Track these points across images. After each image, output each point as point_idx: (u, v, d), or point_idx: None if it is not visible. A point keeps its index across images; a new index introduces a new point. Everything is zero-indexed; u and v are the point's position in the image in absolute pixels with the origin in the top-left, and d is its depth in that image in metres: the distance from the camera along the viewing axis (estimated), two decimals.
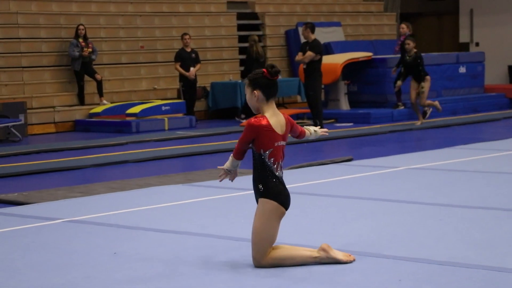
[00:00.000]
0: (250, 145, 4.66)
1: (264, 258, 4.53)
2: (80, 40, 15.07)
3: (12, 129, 13.04)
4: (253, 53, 16.40)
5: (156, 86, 16.56)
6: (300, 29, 18.28)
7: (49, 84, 15.26)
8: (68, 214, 6.21)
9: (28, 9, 15.22)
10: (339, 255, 4.59)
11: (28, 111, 14.08)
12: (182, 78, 15.57)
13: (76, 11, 15.86)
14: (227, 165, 4.80)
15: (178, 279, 4.35)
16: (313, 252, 4.59)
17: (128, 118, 14.54)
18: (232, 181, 4.90)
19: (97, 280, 4.37)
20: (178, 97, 15.80)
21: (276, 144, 4.65)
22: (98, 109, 15.06)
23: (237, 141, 4.72)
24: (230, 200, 6.82)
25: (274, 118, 4.66)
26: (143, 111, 14.69)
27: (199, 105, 16.61)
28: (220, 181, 4.90)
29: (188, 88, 15.60)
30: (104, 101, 15.37)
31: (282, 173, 4.72)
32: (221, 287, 4.20)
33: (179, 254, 4.88)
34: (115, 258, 4.84)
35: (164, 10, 17.10)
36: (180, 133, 13.79)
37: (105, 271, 4.55)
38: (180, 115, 15.17)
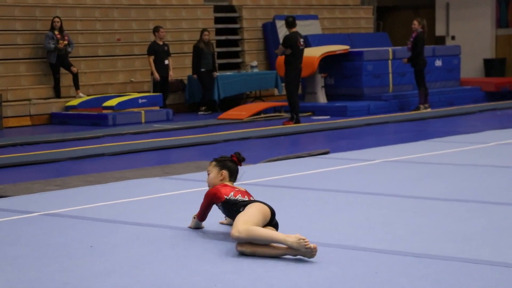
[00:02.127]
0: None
1: (244, 226, 4.62)
2: (56, 32, 14.98)
3: None
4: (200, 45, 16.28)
5: (132, 79, 16.51)
6: (277, 22, 18.33)
7: (25, 76, 15.16)
8: (44, 208, 6.18)
9: (3, 1, 15.11)
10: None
11: (3, 103, 13.99)
12: (156, 70, 15.57)
13: (52, 3, 15.76)
14: (192, 225, 5.30)
15: (155, 272, 4.35)
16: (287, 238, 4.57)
17: (104, 111, 14.48)
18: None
19: (73, 273, 4.36)
20: (154, 90, 15.76)
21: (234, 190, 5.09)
22: (74, 102, 14.98)
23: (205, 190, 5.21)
24: None
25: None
26: (119, 104, 14.64)
27: (176, 98, 16.58)
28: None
29: (160, 81, 15.60)
30: (81, 94, 15.30)
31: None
32: (198, 279, 4.21)
33: (156, 247, 4.88)
34: (91, 251, 4.83)
35: (141, 3, 17.04)
36: (157, 126, 13.76)
37: (82, 264, 4.54)
38: (156, 108, 15.14)
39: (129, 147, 10.89)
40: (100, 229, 5.46)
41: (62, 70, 15.26)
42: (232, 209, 4.99)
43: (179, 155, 10.39)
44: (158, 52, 15.63)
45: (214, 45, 17.94)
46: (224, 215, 5.24)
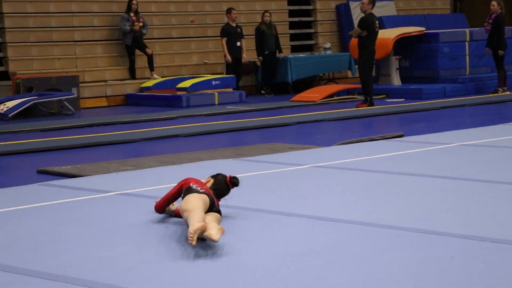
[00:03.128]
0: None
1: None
2: (131, 14, 15.15)
3: (65, 102, 13.21)
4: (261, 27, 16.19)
5: (206, 61, 16.59)
6: (351, 4, 18.15)
7: (101, 58, 15.39)
8: (120, 187, 6.27)
9: None
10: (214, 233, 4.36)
11: (80, 85, 14.24)
12: (229, 51, 15.60)
13: None
14: None
15: (229, 250, 4.37)
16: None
17: (178, 93, 14.61)
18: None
19: (148, 252, 4.42)
20: (228, 72, 15.82)
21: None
22: (149, 83, 15.15)
23: None
24: (280, 175, 6.82)
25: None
26: (193, 85, 14.74)
27: (249, 80, 16.61)
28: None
29: (233, 63, 15.63)
30: (155, 75, 15.46)
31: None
32: (271, 260, 4.21)
33: (230, 227, 4.90)
34: (166, 231, 4.88)
35: None
36: (230, 107, 13.81)
37: (157, 244, 4.59)
38: (230, 90, 15.19)
39: (203, 128, 10.97)
40: None
41: (137, 52, 15.44)
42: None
43: (252, 136, 10.41)
44: (231, 34, 15.67)
45: (287, 27, 17.90)
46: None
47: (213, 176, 5.20)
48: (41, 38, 14.71)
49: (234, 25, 15.78)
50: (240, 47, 15.81)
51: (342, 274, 3.97)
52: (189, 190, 4.90)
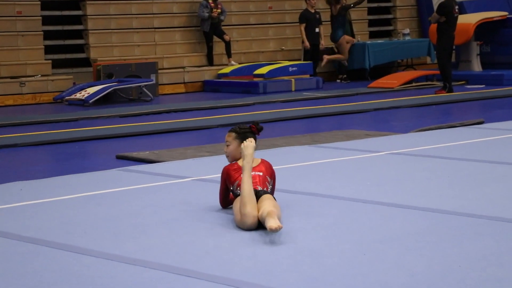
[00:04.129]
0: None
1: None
2: (210, 1, 15.24)
3: (144, 89, 13.39)
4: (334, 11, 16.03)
5: (283, 47, 16.58)
6: None
7: (180, 44, 15.54)
8: (197, 173, 6.33)
9: None
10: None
11: (159, 71, 14.41)
12: (308, 37, 15.55)
13: None
14: None
15: (307, 238, 4.37)
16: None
17: (255, 79, 14.64)
18: None
19: (225, 238, 4.45)
20: (305, 59, 15.77)
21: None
22: (226, 69, 15.23)
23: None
24: (356, 162, 6.77)
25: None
26: (270, 72, 14.75)
27: (326, 66, 16.52)
28: None
29: (311, 49, 15.58)
30: (232, 62, 15.53)
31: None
32: (347, 247, 4.19)
33: (306, 214, 4.90)
34: None
35: None
36: (307, 94, 13.78)
37: (233, 230, 4.62)
38: (307, 76, 15.15)
39: (279, 114, 10.97)
40: None
41: (215, 38, 15.54)
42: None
43: (328, 123, 10.36)
44: (310, 20, 15.62)
45: (366, 12, 17.73)
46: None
47: (242, 139, 4.98)
48: (122, 25, 14.94)
49: (313, 11, 15.73)
50: (318, 33, 15.75)
51: (419, 262, 3.92)
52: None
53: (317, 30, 15.70)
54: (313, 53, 15.72)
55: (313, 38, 15.68)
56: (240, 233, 4.54)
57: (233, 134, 5.05)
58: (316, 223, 4.70)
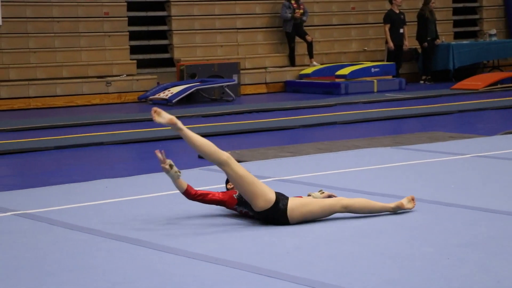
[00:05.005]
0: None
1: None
2: (292, 1, 15.25)
3: (226, 89, 13.49)
4: (426, 14, 15.77)
5: (366, 48, 16.46)
6: None
7: (262, 45, 15.60)
8: (278, 173, 6.34)
9: None
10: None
11: (241, 71, 14.50)
12: (392, 38, 15.39)
13: None
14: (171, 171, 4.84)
15: (384, 240, 4.33)
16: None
17: (337, 80, 14.58)
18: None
19: (306, 239, 4.44)
20: (388, 59, 15.62)
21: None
22: (308, 70, 15.21)
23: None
24: (440, 164, 6.67)
25: None
26: (352, 72, 14.67)
27: (409, 68, 16.33)
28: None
29: (394, 50, 15.42)
30: (314, 63, 15.50)
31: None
32: (430, 251, 4.13)
33: (387, 216, 4.85)
34: (321, 218, 4.89)
35: None
36: (389, 95, 13.64)
37: (313, 230, 4.61)
38: (389, 77, 15.00)
39: (361, 116, 10.90)
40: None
41: (297, 39, 15.54)
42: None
43: (411, 125, 10.24)
44: (395, 21, 15.45)
45: (451, 13, 17.44)
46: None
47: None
48: (205, 25, 15.09)
49: (398, 11, 15.55)
50: (403, 34, 15.56)
51: (505, 268, 3.84)
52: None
53: (401, 30, 15.52)
54: (396, 54, 15.55)
55: (398, 39, 15.50)
56: (321, 234, 4.53)
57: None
58: (397, 225, 4.65)
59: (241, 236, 4.54)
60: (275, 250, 4.25)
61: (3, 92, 12.77)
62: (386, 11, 15.74)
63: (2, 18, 13.11)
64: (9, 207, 5.30)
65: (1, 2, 13.06)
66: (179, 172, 4.87)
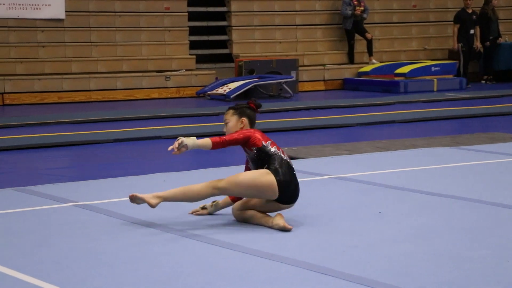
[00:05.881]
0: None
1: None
2: None
3: (284, 85, 13.48)
4: (488, 13, 15.44)
5: (426, 46, 16.27)
6: None
7: (321, 42, 15.55)
8: (334, 171, 6.32)
9: None
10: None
11: (299, 68, 14.47)
12: (462, 39, 15.12)
13: None
14: (189, 142, 4.87)
15: (440, 240, 4.27)
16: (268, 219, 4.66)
17: (396, 78, 14.45)
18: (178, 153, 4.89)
19: (362, 237, 4.42)
20: (450, 58, 15.39)
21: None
22: (367, 68, 15.10)
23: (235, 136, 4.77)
24: (500, 166, 6.56)
25: None
26: (412, 71, 14.51)
27: (471, 67, 16.08)
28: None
29: (467, 49, 15.13)
30: (373, 60, 15.38)
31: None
32: (488, 252, 4.06)
33: (445, 216, 4.79)
34: (379, 217, 4.86)
35: None
36: (449, 94, 13.46)
37: (370, 229, 4.58)
38: (450, 76, 14.80)
39: (420, 115, 10.78)
40: (388, 195, 5.47)
41: (357, 36, 15.44)
42: (264, 158, 4.71)
43: (472, 125, 10.09)
44: (465, 21, 15.15)
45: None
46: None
47: (240, 114, 4.93)
48: (265, 21, 15.10)
49: (469, 11, 15.26)
50: (473, 34, 15.25)
51: None
52: (277, 159, 4.74)
53: (471, 31, 15.20)
54: (465, 55, 15.18)
55: (467, 39, 15.18)
56: (378, 232, 4.50)
57: (231, 111, 4.97)
58: (455, 226, 4.59)
59: (297, 233, 4.53)
60: (330, 248, 4.23)
61: (65, 84, 12.97)
62: (447, 9, 15.51)
63: (66, 12, 13.32)
64: (69, 198, 5.39)
65: None
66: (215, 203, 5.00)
